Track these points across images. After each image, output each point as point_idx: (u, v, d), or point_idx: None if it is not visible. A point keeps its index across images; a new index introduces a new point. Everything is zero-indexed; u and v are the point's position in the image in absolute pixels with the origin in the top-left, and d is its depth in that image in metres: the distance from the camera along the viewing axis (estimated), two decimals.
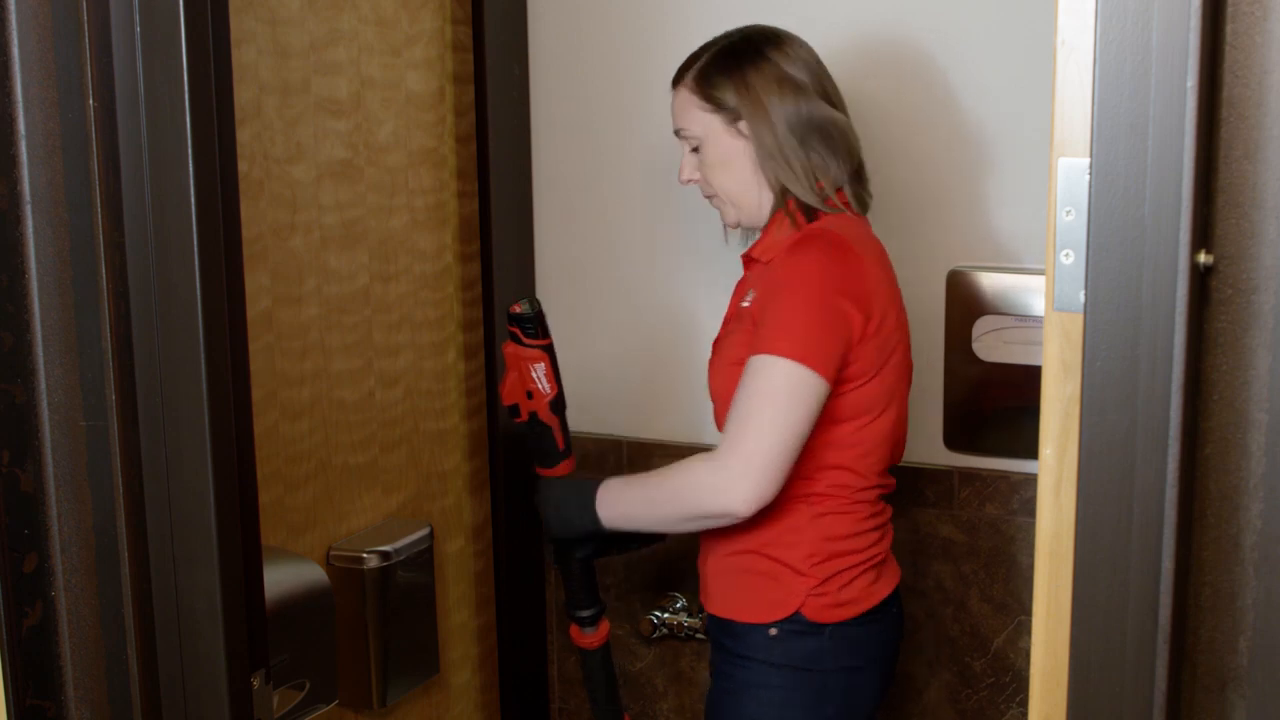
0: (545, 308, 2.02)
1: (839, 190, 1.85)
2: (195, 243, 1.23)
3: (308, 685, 1.84)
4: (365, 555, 2.11)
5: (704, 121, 1.85)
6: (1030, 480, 2.17)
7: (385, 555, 2.13)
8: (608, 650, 2.09)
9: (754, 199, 1.86)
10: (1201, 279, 0.97)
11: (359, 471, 2.16)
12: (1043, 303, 1.02)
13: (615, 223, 2.44)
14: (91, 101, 1.21)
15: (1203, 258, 0.96)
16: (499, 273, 2.40)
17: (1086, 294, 0.98)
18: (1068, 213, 1.00)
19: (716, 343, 1.90)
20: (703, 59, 1.87)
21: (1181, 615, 1.00)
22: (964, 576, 2.26)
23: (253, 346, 1.87)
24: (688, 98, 1.86)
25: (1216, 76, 0.96)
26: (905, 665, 2.32)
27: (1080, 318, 0.99)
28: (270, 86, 1.92)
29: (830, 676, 1.84)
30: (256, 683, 1.35)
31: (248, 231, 1.85)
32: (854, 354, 1.75)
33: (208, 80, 1.23)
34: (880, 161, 2.22)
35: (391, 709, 2.24)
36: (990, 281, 2.17)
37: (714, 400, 1.88)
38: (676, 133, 1.91)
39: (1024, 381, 2.16)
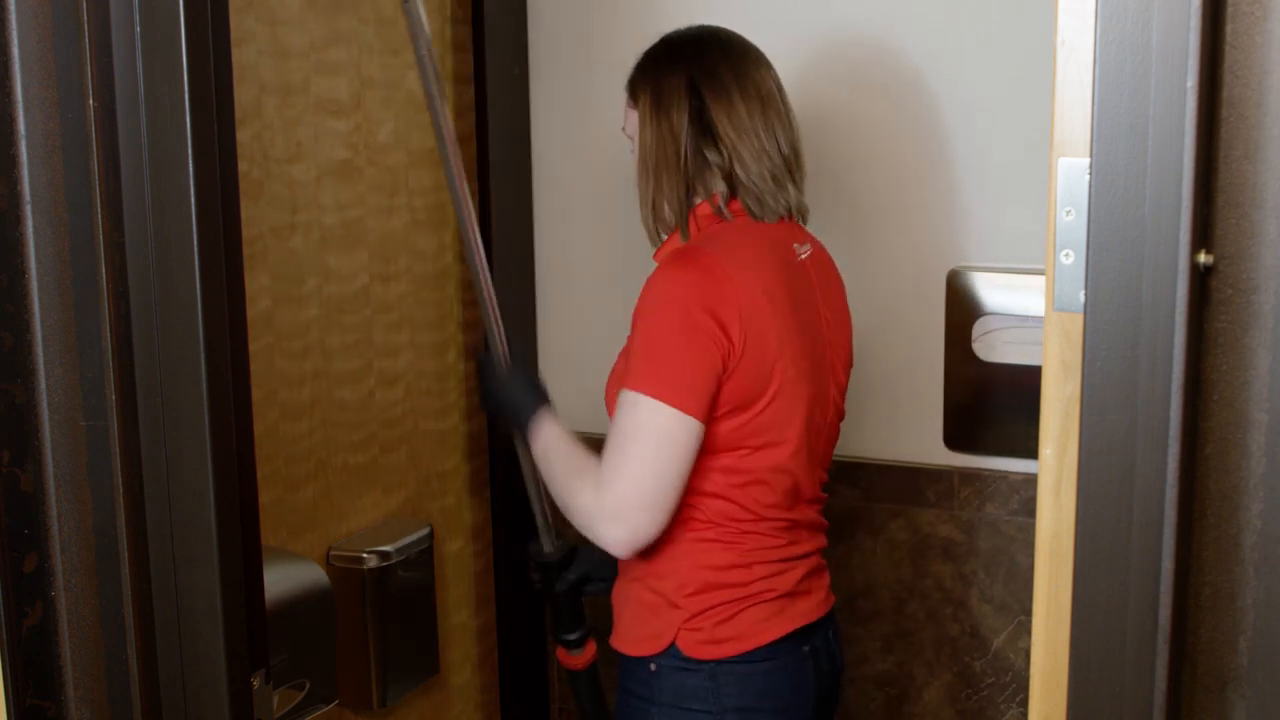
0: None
1: (731, 199, 1.77)
2: (195, 243, 1.23)
3: (308, 685, 1.84)
4: (365, 555, 2.11)
5: (631, 121, 1.82)
6: (1030, 480, 2.17)
7: (385, 555, 2.13)
8: (594, 670, 2.09)
9: (655, 202, 1.79)
10: (1201, 279, 0.97)
11: (359, 471, 2.16)
12: (1043, 303, 1.02)
13: (615, 223, 2.44)
14: (91, 101, 1.21)
15: (1203, 258, 0.96)
16: (499, 273, 2.40)
17: (1086, 294, 0.98)
18: (1068, 213, 1.00)
19: (622, 352, 1.82)
20: (637, 62, 1.84)
21: (1181, 615, 1.00)
22: (964, 576, 2.26)
23: (253, 346, 1.86)
24: (626, 97, 1.85)
25: (1216, 76, 0.96)
26: (906, 665, 2.32)
27: (1080, 318, 0.99)
28: (270, 86, 1.92)
29: (718, 718, 1.74)
30: (256, 683, 1.35)
31: (248, 231, 1.85)
32: (726, 383, 1.67)
33: (208, 80, 1.23)
34: (881, 162, 2.22)
35: (391, 709, 2.24)
36: (990, 281, 2.17)
37: (608, 410, 1.81)
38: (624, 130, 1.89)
39: (1024, 381, 2.16)
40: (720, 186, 1.77)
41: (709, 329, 1.64)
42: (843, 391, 1.86)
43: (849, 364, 1.89)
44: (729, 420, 1.70)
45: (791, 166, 1.79)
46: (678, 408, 1.64)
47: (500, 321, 2.01)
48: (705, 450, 1.70)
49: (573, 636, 2.03)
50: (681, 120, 1.75)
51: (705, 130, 1.75)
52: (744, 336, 1.66)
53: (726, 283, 1.66)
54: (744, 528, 1.74)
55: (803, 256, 1.81)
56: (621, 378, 1.72)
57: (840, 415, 1.87)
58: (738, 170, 1.75)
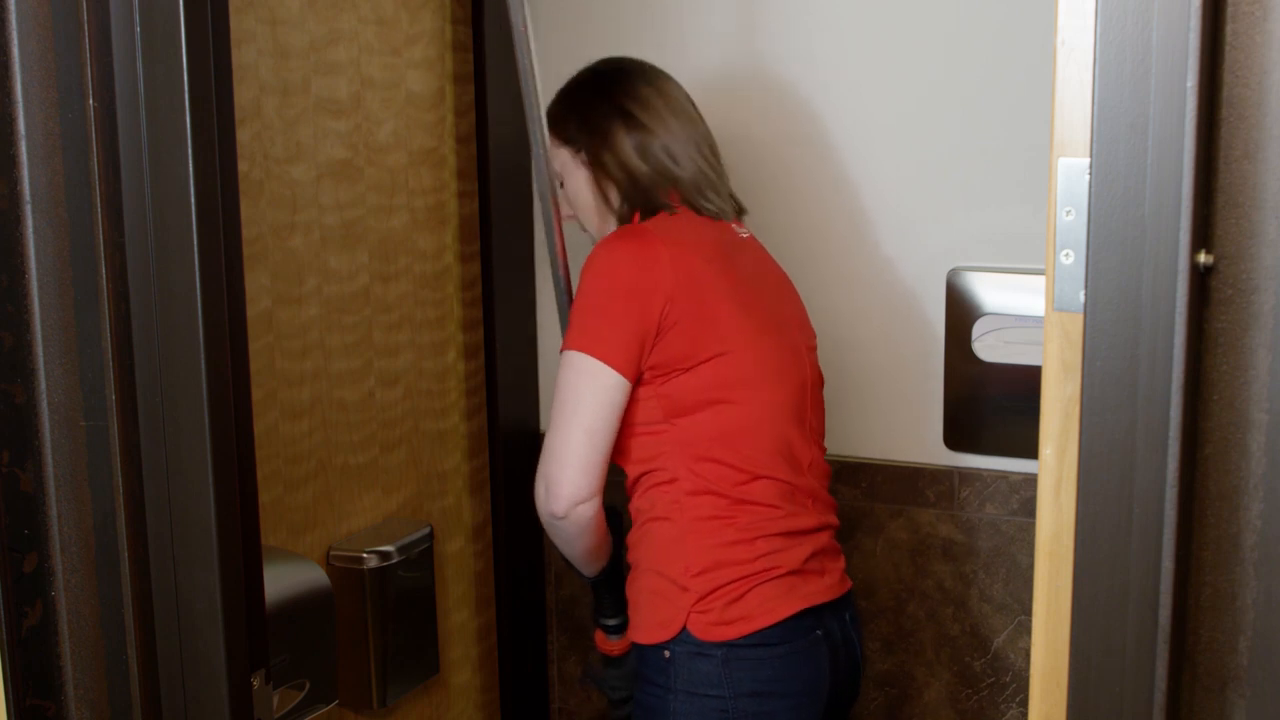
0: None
1: (672, 192, 1.88)
2: (195, 243, 1.23)
3: (308, 685, 1.84)
4: (365, 555, 2.11)
5: (560, 157, 1.95)
6: (1030, 480, 2.17)
7: (385, 555, 2.13)
8: (630, 657, 2.09)
9: (601, 221, 1.94)
10: (1201, 279, 0.97)
11: (359, 471, 2.16)
12: (1043, 303, 1.02)
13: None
14: (91, 101, 1.21)
15: (1203, 258, 0.96)
16: (499, 273, 2.40)
17: (1086, 294, 0.98)
18: (1068, 213, 1.00)
19: None
20: (550, 102, 1.97)
21: (1181, 615, 1.00)
22: (964, 576, 2.26)
23: (253, 346, 1.86)
24: (550, 138, 1.96)
25: (1216, 76, 0.96)
26: (906, 665, 2.32)
27: (1080, 318, 0.99)
28: (270, 86, 1.92)
29: (732, 704, 1.73)
30: (256, 683, 1.35)
31: (248, 231, 1.85)
32: (662, 339, 1.74)
33: (208, 80, 1.23)
34: (881, 162, 2.22)
35: (391, 709, 2.24)
36: (990, 281, 2.17)
37: None
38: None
39: (1024, 381, 2.16)
40: (664, 199, 1.88)
41: (636, 291, 1.73)
42: (813, 352, 1.93)
43: (808, 326, 1.95)
44: (694, 374, 1.75)
45: (717, 164, 1.92)
46: (598, 358, 1.72)
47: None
48: (684, 409, 1.76)
49: (613, 622, 2.03)
50: (625, 146, 1.88)
51: (643, 149, 1.87)
52: (677, 295, 1.73)
53: (658, 248, 1.75)
54: (739, 494, 1.76)
55: (743, 235, 1.92)
56: None
57: (821, 380, 1.93)
58: (679, 175, 1.88)
